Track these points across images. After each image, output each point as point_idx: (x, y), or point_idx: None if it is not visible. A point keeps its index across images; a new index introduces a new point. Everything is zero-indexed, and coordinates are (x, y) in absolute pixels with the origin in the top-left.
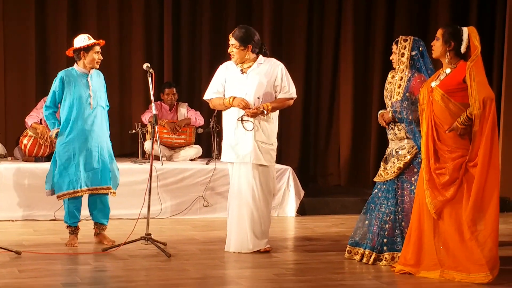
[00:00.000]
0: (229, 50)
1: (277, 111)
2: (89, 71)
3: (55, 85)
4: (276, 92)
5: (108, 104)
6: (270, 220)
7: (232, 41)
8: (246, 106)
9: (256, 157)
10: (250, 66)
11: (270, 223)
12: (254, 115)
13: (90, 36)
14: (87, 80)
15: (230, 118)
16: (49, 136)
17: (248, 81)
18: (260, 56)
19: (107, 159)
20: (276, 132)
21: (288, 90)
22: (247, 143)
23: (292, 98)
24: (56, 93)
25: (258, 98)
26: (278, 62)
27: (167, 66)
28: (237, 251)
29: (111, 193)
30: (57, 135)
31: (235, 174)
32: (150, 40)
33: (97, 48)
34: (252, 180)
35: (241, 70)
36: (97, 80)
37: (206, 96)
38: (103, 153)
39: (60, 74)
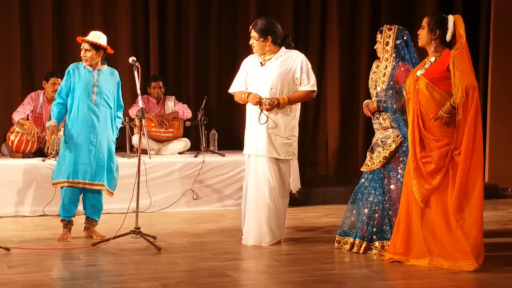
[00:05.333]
0: (250, 42)
1: (298, 105)
2: (94, 67)
3: (64, 77)
4: (297, 85)
5: (121, 103)
6: (286, 213)
7: (252, 33)
8: (258, 102)
9: (269, 150)
10: (270, 58)
11: (285, 216)
12: (269, 109)
13: (89, 35)
14: (93, 76)
15: (250, 111)
16: (35, 132)
17: (265, 73)
18: (282, 48)
19: (104, 157)
20: (295, 126)
21: (308, 82)
22: (262, 136)
23: (312, 91)
24: (63, 85)
25: (272, 89)
26: (299, 54)
27: (153, 59)
28: (255, 244)
29: (108, 192)
30: (50, 128)
31: (252, 166)
32: (135, 33)
33: (82, 45)
34: (268, 173)
35: (261, 63)
36: (107, 78)
37: (230, 90)
38: (101, 150)
39: (70, 66)
